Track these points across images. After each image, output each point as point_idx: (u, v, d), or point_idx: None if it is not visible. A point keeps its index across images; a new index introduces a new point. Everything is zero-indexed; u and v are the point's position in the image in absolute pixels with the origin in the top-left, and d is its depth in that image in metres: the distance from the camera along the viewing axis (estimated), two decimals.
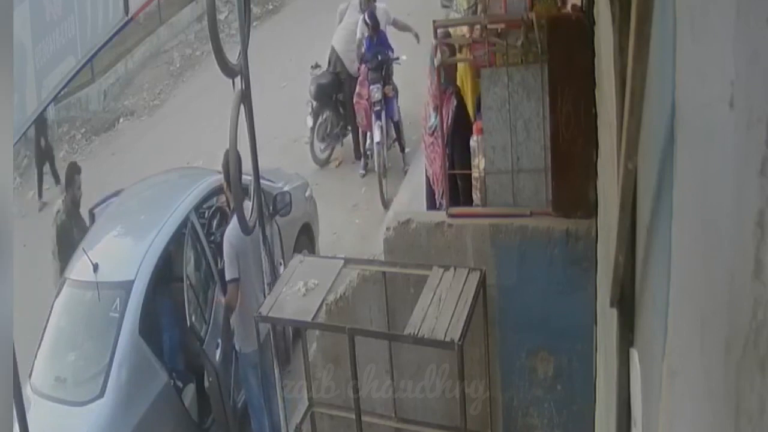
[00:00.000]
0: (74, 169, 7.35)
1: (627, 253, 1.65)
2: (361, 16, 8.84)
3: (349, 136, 9.42)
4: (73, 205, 7.12)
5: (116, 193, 7.11)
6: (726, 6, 0.85)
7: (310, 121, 9.05)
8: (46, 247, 7.52)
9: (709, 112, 0.96)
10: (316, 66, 9.44)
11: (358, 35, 8.91)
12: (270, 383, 5.49)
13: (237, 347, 5.79)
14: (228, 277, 5.71)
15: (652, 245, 1.49)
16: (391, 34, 9.07)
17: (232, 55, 4.81)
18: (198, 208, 6.28)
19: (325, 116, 9.19)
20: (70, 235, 6.93)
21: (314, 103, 9.09)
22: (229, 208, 5.91)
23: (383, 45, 8.74)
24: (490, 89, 4.49)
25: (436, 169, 5.50)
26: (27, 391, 5.30)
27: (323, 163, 9.33)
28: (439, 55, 4.75)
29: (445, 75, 5.06)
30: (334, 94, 9.22)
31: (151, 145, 10.91)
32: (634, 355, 1.70)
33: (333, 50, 9.36)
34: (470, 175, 5.02)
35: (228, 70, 4.68)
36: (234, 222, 5.28)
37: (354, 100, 9.03)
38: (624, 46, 1.55)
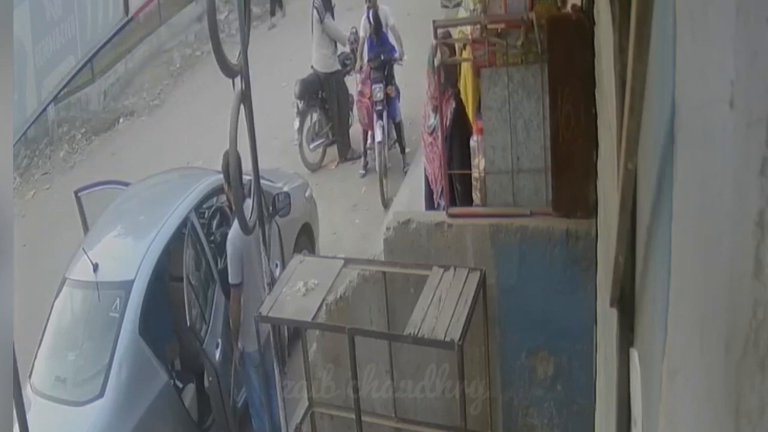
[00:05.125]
0: None
1: (627, 253, 1.65)
2: (364, 15, 8.88)
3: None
4: None
5: (107, 182, 7.12)
6: (726, 6, 0.85)
7: (296, 123, 9.05)
8: (45, 247, 7.53)
9: (709, 112, 0.96)
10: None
11: (362, 33, 8.95)
12: (271, 383, 5.49)
13: (240, 346, 5.80)
14: (231, 281, 5.71)
15: (652, 245, 1.49)
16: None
17: (232, 55, 4.81)
18: (198, 208, 6.27)
19: (312, 117, 9.19)
20: None
21: (299, 103, 9.09)
22: (230, 208, 5.92)
23: (385, 45, 8.76)
24: (490, 89, 4.49)
25: (434, 168, 5.50)
26: (27, 391, 5.30)
27: (315, 167, 9.30)
28: (439, 54, 4.75)
29: (446, 75, 5.06)
30: (318, 91, 9.22)
31: (151, 145, 10.90)
32: (634, 355, 1.70)
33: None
34: (468, 177, 5.01)
35: (228, 70, 4.68)
36: (237, 224, 5.28)
37: (356, 99, 9.05)
38: (624, 46, 1.55)
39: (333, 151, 9.50)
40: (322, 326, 4.89)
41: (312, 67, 9.33)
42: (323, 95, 9.25)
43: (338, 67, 9.26)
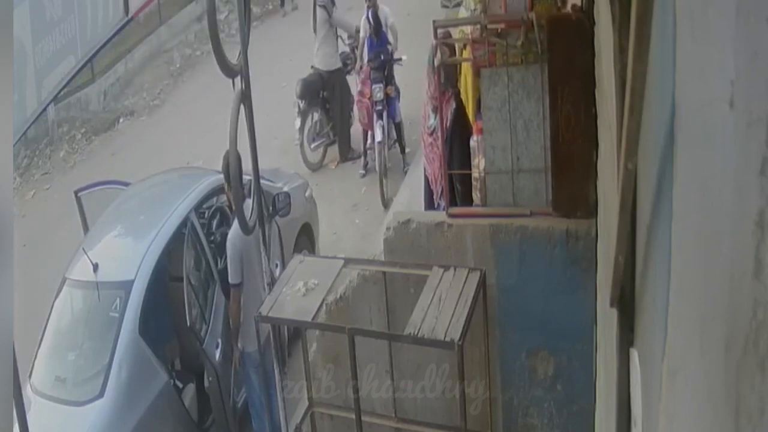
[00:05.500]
0: None
1: (627, 253, 1.65)
2: (364, 15, 8.88)
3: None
4: None
5: (107, 182, 7.12)
6: (726, 6, 0.85)
7: (298, 122, 9.05)
8: (45, 247, 7.53)
9: (709, 112, 0.96)
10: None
11: (362, 33, 8.95)
12: (271, 383, 5.49)
13: (240, 346, 5.80)
14: (231, 281, 5.71)
15: (652, 245, 1.49)
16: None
17: (232, 55, 4.81)
18: (198, 208, 6.27)
19: (313, 116, 9.19)
20: None
21: (301, 103, 9.09)
22: (230, 208, 5.91)
23: (385, 45, 8.76)
24: (490, 89, 4.49)
25: (434, 169, 5.50)
26: (27, 391, 5.30)
27: (316, 167, 9.31)
28: (439, 54, 4.75)
29: (446, 75, 5.06)
30: (320, 91, 9.22)
31: (151, 145, 10.90)
32: (634, 355, 1.70)
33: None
34: (468, 177, 5.01)
35: (228, 70, 4.68)
36: (237, 224, 5.28)
37: (356, 99, 9.05)
38: (624, 46, 1.56)
39: (333, 150, 9.50)
40: (322, 326, 4.89)
41: (313, 66, 9.33)
42: (324, 95, 9.26)
43: (340, 64, 9.27)
